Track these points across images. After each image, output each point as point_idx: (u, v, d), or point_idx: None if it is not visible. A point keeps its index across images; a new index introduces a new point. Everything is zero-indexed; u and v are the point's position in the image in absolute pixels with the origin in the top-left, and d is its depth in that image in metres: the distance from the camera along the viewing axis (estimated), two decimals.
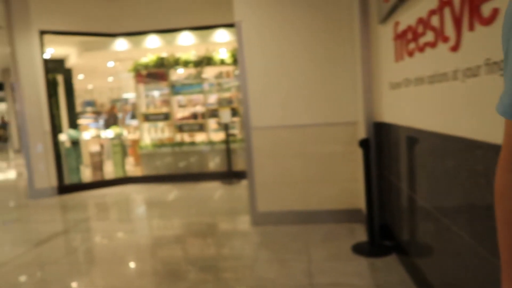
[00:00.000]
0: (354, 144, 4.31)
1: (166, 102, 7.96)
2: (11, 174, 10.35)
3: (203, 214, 5.16)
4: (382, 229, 3.76)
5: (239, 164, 7.54)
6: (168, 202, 6.00)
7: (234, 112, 7.51)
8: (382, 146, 3.63)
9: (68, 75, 9.87)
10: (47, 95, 6.88)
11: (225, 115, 7.11)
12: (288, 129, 4.40)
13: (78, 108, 14.47)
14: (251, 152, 4.49)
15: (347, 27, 4.22)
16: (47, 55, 7.56)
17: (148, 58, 7.69)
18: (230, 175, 7.17)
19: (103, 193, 6.96)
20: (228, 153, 7.18)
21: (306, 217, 4.45)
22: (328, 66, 4.30)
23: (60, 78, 8.71)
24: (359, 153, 4.24)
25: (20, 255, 4.00)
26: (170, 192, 6.74)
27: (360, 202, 4.36)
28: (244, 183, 7.02)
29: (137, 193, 6.84)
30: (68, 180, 7.22)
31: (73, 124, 9.41)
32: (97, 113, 18.56)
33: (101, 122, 9.86)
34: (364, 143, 3.50)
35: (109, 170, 7.76)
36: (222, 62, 7.54)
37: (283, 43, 4.35)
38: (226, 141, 7.18)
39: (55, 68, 9.24)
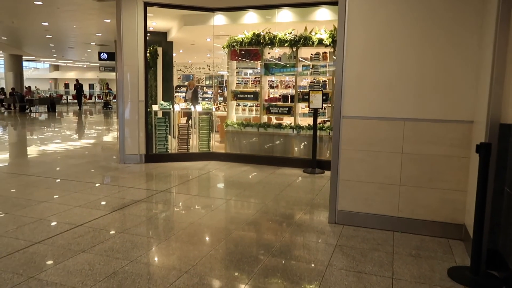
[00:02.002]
0: (466, 147, 3.58)
1: (257, 82, 7.72)
2: (110, 138, 11.16)
3: (280, 202, 4.84)
4: (491, 255, 3.05)
5: (324, 154, 7.06)
6: (247, 183, 5.80)
7: (326, 98, 6.99)
8: (508, 155, 2.90)
9: (168, 48, 10.19)
10: (145, 65, 7.09)
11: (317, 99, 6.64)
12: (386, 122, 3.81)
13: (176, 81, 15.16)
14: (338, 144, 4.01)
15: (476, 5, 3.44)
16: (150, 27, 7.81)
17: (244, 35, 7.49)
18: (313, 164, 6.74)
19: (186, 166, 7.04)
20: (315, 141, 6.73)
21: (394, 224, 3.87)
22: (444, 52, 3.59)
23: (160, 51, 8.97)
24: (472, 159, 3.51)
25: (96, 219, 4.11)
26: (250, 173, 6.55)
27: (462, 216, 3.65)
28: (327, 174, 6.53)
29: (218, 170, 6.78)
30: (156, 149, 7.45)
31: (168, 96, 9.72)
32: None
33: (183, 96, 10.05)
34: (483, 148, 2.81)
35: (195, 144, 7.84)
36: (320, 43, 7.02)
37: (394, 22, 3.73)
38: (314, 128, 6.72)
39: (157, 41, 9.58)
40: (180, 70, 20.28)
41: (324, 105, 6.89)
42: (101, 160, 7.59)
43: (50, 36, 16.56)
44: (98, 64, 30.92)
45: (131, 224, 3.94)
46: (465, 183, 3.62)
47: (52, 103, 21.49)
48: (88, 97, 34.66)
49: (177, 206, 4.66)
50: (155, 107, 7.54)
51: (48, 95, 25.91)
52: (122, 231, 3.73)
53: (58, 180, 5.84)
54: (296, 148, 7.30)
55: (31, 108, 21.88)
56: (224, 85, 16.58)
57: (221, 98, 12.01)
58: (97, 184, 5.60)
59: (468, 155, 3.58)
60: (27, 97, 21.96)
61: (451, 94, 3.60)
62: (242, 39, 7.47)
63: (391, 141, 3.81)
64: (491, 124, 2.99)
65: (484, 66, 3.27)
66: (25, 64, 42.31)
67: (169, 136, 7.63)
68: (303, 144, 7.25)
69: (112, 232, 3.71)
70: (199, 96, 18.75)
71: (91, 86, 43.68)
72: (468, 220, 3.55)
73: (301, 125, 7.30)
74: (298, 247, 3.51)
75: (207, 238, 3.66)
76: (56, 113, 21.22)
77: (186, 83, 10.10)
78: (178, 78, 16.03)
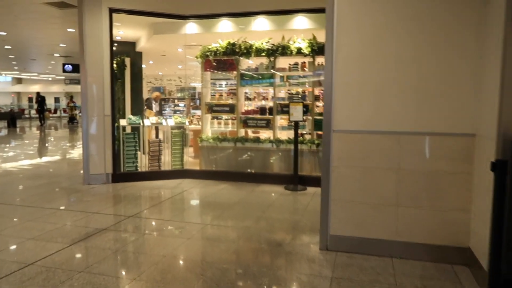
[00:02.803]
0: (468, 162, 3.26)
1: (233, 93, 7.30)
2: (74, 155, 10.40)
3: (263, 225, 4.39)
4: (508, 285, 2.70)
5: (306, 169, 6.67)
6: (225, 204, 5.31)
7: (307, 110, 6.64)
8: None
9: (137, 58, 9.62)
10: (112, 77, 6.53)
11: (297, 112, 6.27)
12: (381, 136, 3.46)
13: (146, 94, 14.49)
14: (329, 160, 3.61)
15: (477, 7, 3.17)
16: (117, 37, 7.27)
17: (218, 44, 7.07)
18: (295, 180, 6.33)
19: (158, 185, 6.48)
20: (296, 155, 6.34)
21: (392, 249, 3.50)
22: (443, 59, 3.29)
23: (128, 61, 8.40)
24: (476, 175, 3.19)
25: (52, 254, 3.52)
26: (228, 192, 6.07)
27: (467, 238, 3.31)
28: (310, 191, 6.15)
29: (193, 189, 6.25)
30: (124, 168, 6.85)
31: (138, 110, 9.12)
32: (164, 101, 18.64)
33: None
34: (499, 166, 2.47)
35: (167, 160, 7.28)
36: (299, 52, 6.69)
37: (388, 27, 3.40)
38: (295, 141, 6.34)
39: (125, 51, 9.01)
40: (150, 82, 19.66)
41: (304, 117, 6.53)
42: (63, 181, 6.90)
43: (9, 47, 15.58)
44: (63, 77, 29.69)
45: (94, 260, 3.38)
46: (468, 201, 3.30)
47: (12, 118, 20.24)
48: (52, 111, 33.11)
49: (148, 234, 4.12)
50: (122, 122, 6.96)
51: (8, 110, 24.47)
52: (82, 270, 3.16)
53: (10, 206, 5.16)
54: (276, 164, 6.89)
55: None
56: (197, 97, 16.09)
57: (194, 111, 11.50)
58: (56, 210, 4.96)
59: (471, 170, 3.27)
60: None
61: (450, 105, 3.29)
62: (217, 49, 7.05)
63: (386, 156, 3.46)
64: (503, 138, 2.66)
65: (488, 74, 2.98)
66: None
67: (138, 152, 7.07)
68: (283, 159, 6.84)
69: (69, 271, 3.14)
70: (170, 109, 18.14)
71: (56, 100, 42.00)
72: (474, 243, 3.21)
73: (281, 139, 6.91)
74: (290, 282, 3.05)
75: (183, 276, 3.15)
76: (18, 129, 19.98)
77: (152, 95, 9.55)
78: (148, 90, 15.41)
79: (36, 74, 34.27)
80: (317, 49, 6.59)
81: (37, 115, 22.81)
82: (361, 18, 3.47)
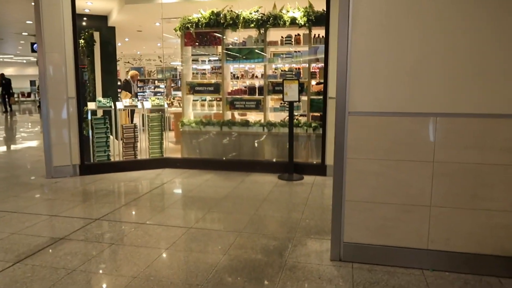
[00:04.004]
0: None
1: (218, 71, 6.44)
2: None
3: (258, 227, 3.64)
4: None
5: (301, 155, 5.93)
6: (212, 199, 4.54)
7: (302, 88, 5.86)
8: None
9: (110, 35, 8.58)
10: (75, 54, 5.57)
11: (292, 91, 5.47)
12: (411, 119, 2.70)
13: (124, 75, 13.42)
14: (343, 151, 2.85)
15: None
16: (85, 9, 6.31)
17: (200, 14, 6.16)
18: (290, 169, 5.59)
19: (134, 177, 5.66)
20: (291, 141, 5.57)
21: (422, 259, 2.80)
22: (502, 16, 2.52)
23: (98, 36, 7.38)
24: None
25: None
26: (215, 183, 5.29)
27: None
28: (307, 180, 5.42)
29: (173, 182, 5.45)
30: (95, 158, 5.98)
31: (112, 92, 8.15)
32: (143, 82, 17.54)
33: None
34: None
35: (145, 148, 6.44)
36: (293, 23, 5.85)
37: None
38: (290, 125, 5.56)
39: (95, 26, 7.99)
40: (128, 62, 18.48)
41: (301, 97, 5.75)
42: (23, 174, 5.99)
43: None
44: (35, 58, 28.03)
45: (41, 287, 2.58)
46: None
47: None
48: (26, 95, 31.47)
49: (117, 244, 3.33)
50: (91, 105, 6.05)
51: None
52: None
53: None
54: (267, 150, 6.12)
55: None
56: (178, 77, 15.06)
57: (176, 93, 10.58)
58: (6, 214, 4.11)
59: None
60: None
61: (500, 77, 2.55)
62: (198, 20, 6.15)
63: (417, 145, 2.71)
64: None
65: None
66: None
67: (111, 138, 6.19)
68: (276, 144, 6.08)
69: None
70: (151, 91, 17.09)
71: (32, 83, 40.08)
72: None
73: (273, 122, 6.12)
74: None
75: None
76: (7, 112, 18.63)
77: (130, 74, 8.63)
78: (127, 71, 14.34)
79: (11, 56, 32.40)
80: (314, 19, 5.77)
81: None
82: None
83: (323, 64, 5.79)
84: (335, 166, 2.89)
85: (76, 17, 5.56)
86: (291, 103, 5.55)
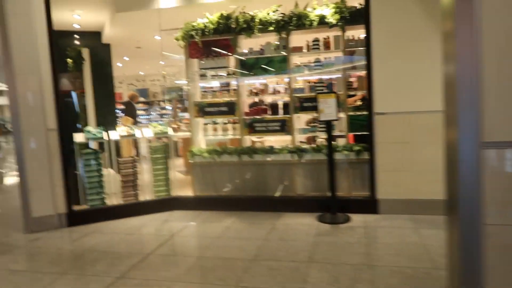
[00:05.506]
0: None
1: (231, 87, 5.28)
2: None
3: None
4: None
5: (343, 187, 4.70)
6: (236, 263, 3.32)
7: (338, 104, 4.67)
8: None
9: (104, 52, 7.53)
10: (54, 75, 4.46)
11: (329, 107, 4.28)
12: None
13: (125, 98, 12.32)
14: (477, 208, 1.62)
15: None
16: (73, 24, 5.25)
17: (207, 19, 5.04)
18: (332, 207, 4.36)
19: (134, 227, 4.47)
20: (331, 170, 4.36)
21: None
22: None
23: (87, 54, 6.29)
24: None
25: None
26: (237, 233, 4.08)
27: None
28: (357, 222, 4.19)
29: (185, 232, 4.24)
30: (87, 201, 4.82)
31: (109, 119, 7.00)
32: (148, 104, 16.51)
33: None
34: None
35: (147, 182, 5.24)
36: (321, 22, 4.70)
37: None
38: (329, 149, 4.35)
39: (88, 44, 6.95)
40: (132, 84, 17.49)
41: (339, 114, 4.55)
42: None
43: None
44: None
45: None
46: None
47: None
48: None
49: None
50: (78, 137, 4.90)
51: None
52: None
53: None
54: (300, 182, 4.89)
55: None
56: (184, 97, 13.97)
57: (183, 114, 9.47)
58: None
59: None
60: None
61: None
62: (205, 25, 5.01)
63: None
64: None
65: None
66: None
67: (111, 173, 5.02)
68: (309, 175, 4.86)
69: None
70: (157, 113, 16.01)
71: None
72: None
73: (303, 147, 4.92)
74: None
75: None
76: None
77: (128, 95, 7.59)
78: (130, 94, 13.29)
79: None
80: (349, 17, 4.60)
81: None
82: None
83: (359, 72, 4.66)
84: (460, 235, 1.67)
85: (54, 32, 4.46)
86: (328, 123, 4.35)
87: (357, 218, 4.31)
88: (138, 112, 11.52)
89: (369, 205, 4.48)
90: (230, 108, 5.17)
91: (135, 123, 8.02)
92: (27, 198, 4.41)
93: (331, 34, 4.91)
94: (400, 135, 4.30)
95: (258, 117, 5.16)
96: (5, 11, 4.19)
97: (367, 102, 4.47)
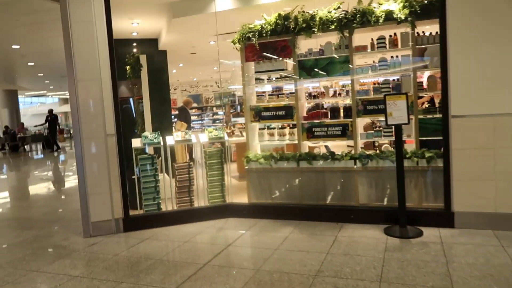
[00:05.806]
0: None
1: (289, 91, 5.04)
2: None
3: None
4: None
5: (412, 198, 4.26)
6: (297, 279, 3.05)
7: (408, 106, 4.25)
8: None
9: (161, 59, 7.62)
10: (113, 81, 4.48)
11: (399, 110, 3.90)
12: None
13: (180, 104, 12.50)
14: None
15: None
16: (133, 33, 5.31)
17: (264, 20, 4.85)
18: (401, 219, 3.95)
19: (189, 235, 4.35)
20: (400, 178, 3.95)
21: None
22: None
23: (144, 60, 6.34)
24: None
25: None
26: (296, 244, 3.80)
27: None
28: (430, 236, 3.76)
29: (239, 242, 4.04)
30: (143, 207, 4.79)
31: (166, 126, 7.02)
32: (201, 110, 16.68)
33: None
34: None
35: (202, 187, 5.13)
36: (388, 19, 4.33)
37: None
38: (399, 156, 3.96)
39: (146, 52, 7.04)
40: (185, 90, 17.83)
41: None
42: (57, 231, 4.87)
43: (33, 63, 14.25)
44: None
45: None
46: None
47: (47, 140, 19.08)
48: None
49: None
50: (135, 142, 4.90)
51: (44, 131, 23.02)
52: None
53: None
54: (363, 191, 4.53)
55: (25, 146, 19.56)
56: (237, 102, 13.95)
57: (236, 119, 9.40)
58: None
59: None
60: (19, 135, 19.68)
61: None
62: (262, 27, 4.83)
63: None
64: None
65: None
66: (32, 99, 40.69)
67: (166, 178, 4.97)
68: (374, 183, 4.48)
69: None
70: (209, 118, 16.17)
71: None
72: None
73: (368, 153, 4.55)
74: None
75: None
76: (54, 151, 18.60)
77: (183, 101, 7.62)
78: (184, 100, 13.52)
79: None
80: (420, 11, 4.19)
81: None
82: None
83: (430, 71, 4.23)
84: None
85: (114, 40, 4.49)
86: (397, 127, 3.96)
87: (430, 233, 3.87)
88: (192, 117, 11.61)
89: (443, 218, 4.02)
90: (288, 112, 4.93)
91: (189, 128, 8.02)
92: (87, 202, 4.45)
93: (398, 31, 4.53)
94: (481, 140, 3.81)
95: (317, 121, 4.87)
96: (69, 19, 4.27)
97: (442, 104, 4.04)
